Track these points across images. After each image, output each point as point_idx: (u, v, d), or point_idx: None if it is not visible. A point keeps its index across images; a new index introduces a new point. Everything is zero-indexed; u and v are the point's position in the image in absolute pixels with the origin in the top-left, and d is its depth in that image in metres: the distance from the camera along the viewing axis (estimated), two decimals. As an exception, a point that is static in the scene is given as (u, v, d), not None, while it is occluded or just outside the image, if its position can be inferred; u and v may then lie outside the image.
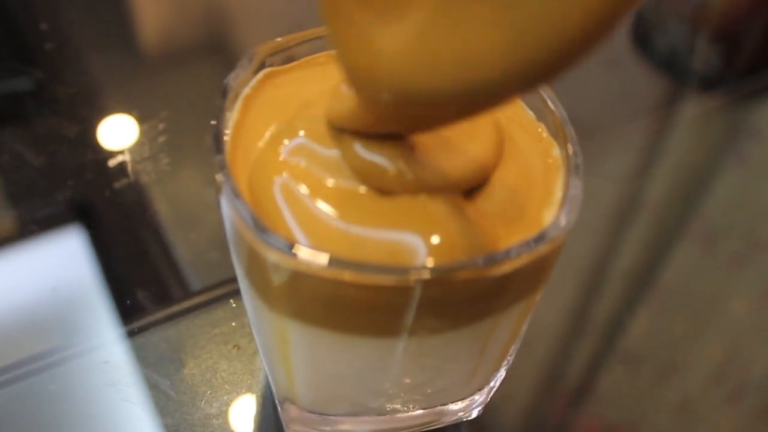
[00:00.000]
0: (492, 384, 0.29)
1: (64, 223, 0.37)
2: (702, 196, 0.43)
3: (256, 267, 0.22)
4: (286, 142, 0.23)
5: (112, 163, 0.40)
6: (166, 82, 0.48)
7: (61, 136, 0.41)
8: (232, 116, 0.24)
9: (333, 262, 0.20)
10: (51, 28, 0.48)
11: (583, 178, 0.23)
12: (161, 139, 0.41)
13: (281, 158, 0.23)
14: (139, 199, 0.39)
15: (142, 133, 0.42)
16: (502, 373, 0.29)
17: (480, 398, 0.29)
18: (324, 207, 0.21)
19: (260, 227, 0.21)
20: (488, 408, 0.31)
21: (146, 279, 0.36)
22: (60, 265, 0.36)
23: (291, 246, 0.20)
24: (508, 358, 0.28)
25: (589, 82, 0.50)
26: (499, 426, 0.32)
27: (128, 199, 0.39)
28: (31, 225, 0.37)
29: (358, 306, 0.21)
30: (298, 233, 0.21)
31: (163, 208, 0.39)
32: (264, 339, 0.26)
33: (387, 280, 0.20)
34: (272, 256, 0.20)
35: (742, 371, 0.35)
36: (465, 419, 0.30)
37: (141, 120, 0.42)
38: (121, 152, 0.40)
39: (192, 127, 0.43)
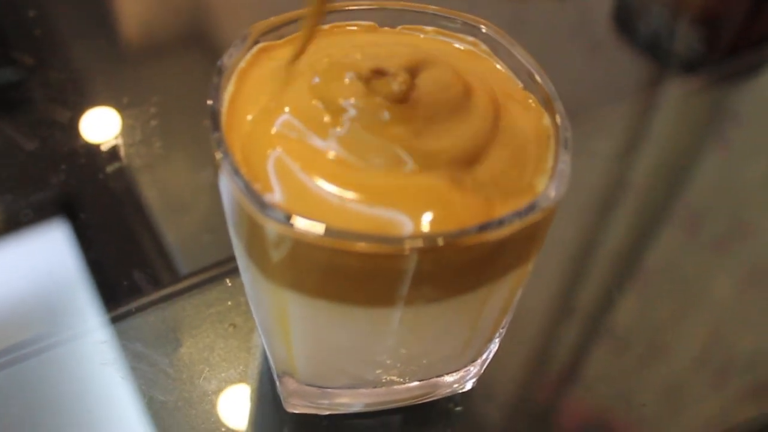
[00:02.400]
0: (485, 356, 0.29)
1: (58, 208, 0.38)
2: (684, 179, 0.44)
3: (256, 240, 0.22)
4: (275, 116, 0.23)
5: (104, 148, 0.40)
6: (155, 68, 0.48)
7: (54, 122, 0.41)
8: (228, 91, 0.25)
9: (330, 231, 0.20)
10: (39, 14, 0.48)
11: (572, 150, 0.24)
12: (153, 123, 0.41)
13: (273, 131, 0.23)
14: (133, 183, 0.39)
15: (134, 118, 0.42)
16: (495, 345, 0.29)
17: (474, 370, 0.30)
18: (317, 181, 0.22)
19: (259, 201, 0.21)
20: (478, 386, 0.32)
21: (142, 261, 0.36)
22: (56, 248, 0.36)
23: (290, 217, 0.21)
24: (501, 330, 0.28)
25: (572, 65, 0.51)
26: (489, 401, 0.33)
27: (122, 183, 0.39)
28: (26, 210, 0.37)
29: (356, 276, 0.22)
30: (292, 206, 0.22)
31: (156, 191, 0.39)
32: (263, 313, 0.26)
33: (382, 248, 0.21)
34: (272, 228, 0.21)
35: (727, 353, 0.36)
36: (459, 391, 0.31)
37: (132, 105, 0.42)
38: (114, 137, 0.41)
39: (183, 110, 0.43)
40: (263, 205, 0.21)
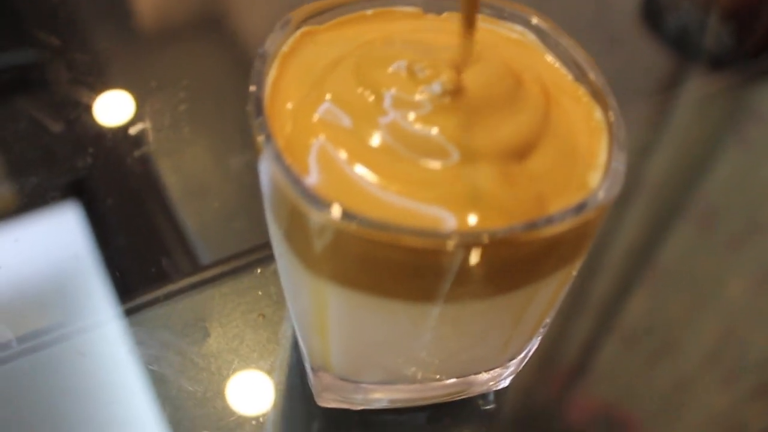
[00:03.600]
0: (523, 354, 0.29)
1: (85, 192, 0.37)
2: (702, 177, 0.43)
3: (297, 229, 0.22)
4: (318, 103, 0.23)
5: (132, 132, 0.40)
6: (184, 51, 0.47)
7: (79, 104, 0.41)
8: (270, 76, 0.24)
9: (372, 223, 0.20)
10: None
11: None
12: (182, 107, 0.41)
13: (316, 119, 0.22)
14: (161, 168, 0.38)
15: (162, 101, 0.41)
16: (534, 344, 0.28)
17: (511, 368, 0.29)
18: (361, 171, 0.21)
19: (303, 188, 0.20)
20: (510, 383, 0.31)
21: (169, 248, 0.36)
22: (83, 233, 0.35)
23: (333, 206, 0.20)
24: (542, 329, 0.28)
25: (597, 58, 0.50)
26: (519, 399, 0.32)
27: (150, 168, 0.38)
28: (52, 193, 0.37)
29: (398, 269, 0.21)
30: (335, 195, 0.21)
31: (185, 177, 0.39)
32: (300, 305, 0.25)
33: (425, 243, 0.20)
34: (315, 217, 0.20)
35: (738, 352, 0.35)
36: (493, 389, 0.30)
37: (160, 88, 0.42)
38: (141, 122, 0.40)
39: (212, 95, 0.43)
40: (307, 193, 0.20)
